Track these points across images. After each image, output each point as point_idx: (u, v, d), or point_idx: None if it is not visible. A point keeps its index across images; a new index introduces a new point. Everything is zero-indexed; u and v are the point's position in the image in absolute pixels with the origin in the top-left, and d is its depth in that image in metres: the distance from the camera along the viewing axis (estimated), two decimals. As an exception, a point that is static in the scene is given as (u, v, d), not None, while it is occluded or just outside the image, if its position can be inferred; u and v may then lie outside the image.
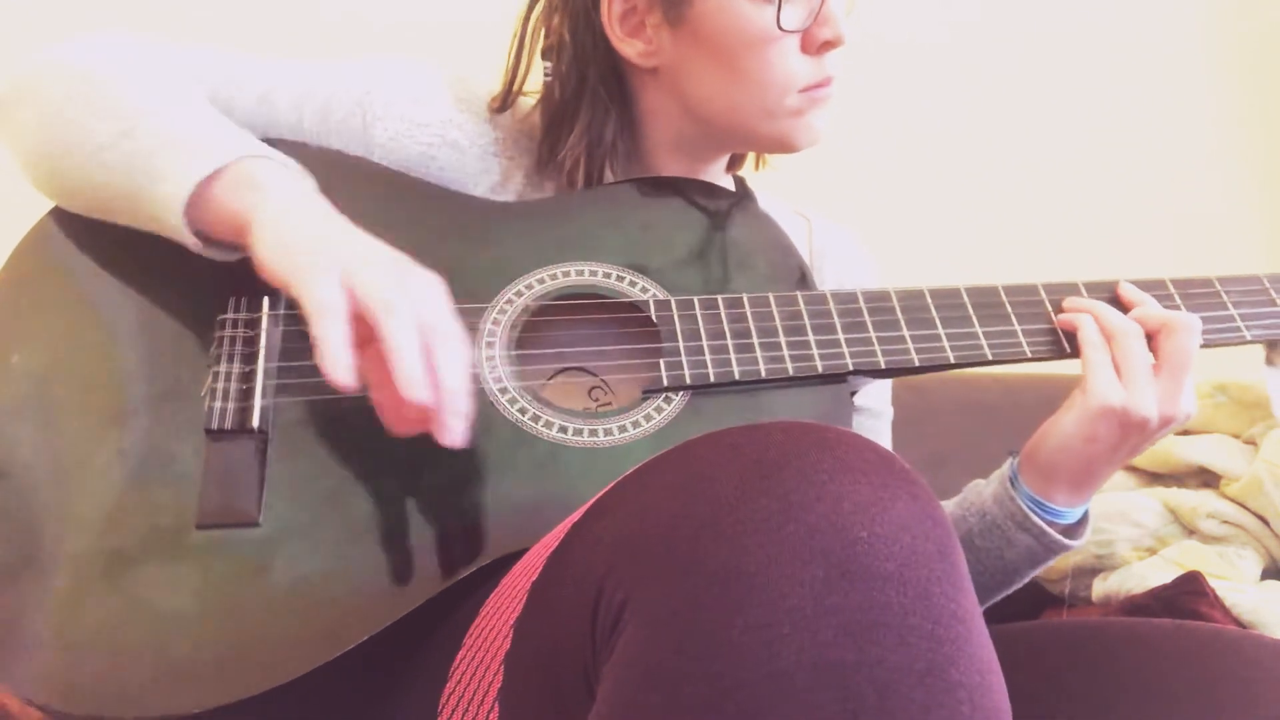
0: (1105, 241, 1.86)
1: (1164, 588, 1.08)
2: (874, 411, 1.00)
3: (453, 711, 0.61)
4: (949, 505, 0.88)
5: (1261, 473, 1.17)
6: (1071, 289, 0.84)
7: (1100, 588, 1.17)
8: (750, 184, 1.00)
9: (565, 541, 0.57)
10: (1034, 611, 1.13)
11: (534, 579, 0.58)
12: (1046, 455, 0.81)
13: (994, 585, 0.86)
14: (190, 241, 0.74)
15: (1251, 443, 1.24)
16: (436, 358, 0.64)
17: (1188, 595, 1.05)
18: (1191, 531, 1.20)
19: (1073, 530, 0.84)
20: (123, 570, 0.67)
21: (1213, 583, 1.06)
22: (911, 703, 0.43)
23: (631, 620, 0.48)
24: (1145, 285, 0.85)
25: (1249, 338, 0.83)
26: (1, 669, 0.63)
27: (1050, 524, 0.82)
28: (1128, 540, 1.20)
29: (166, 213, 0.73)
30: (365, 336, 0.65)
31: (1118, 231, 1.87)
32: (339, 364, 0.62)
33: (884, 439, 1.01)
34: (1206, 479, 1.24)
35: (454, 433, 0.65)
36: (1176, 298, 0.84)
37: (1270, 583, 1.14)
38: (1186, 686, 0.71)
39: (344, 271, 0.65)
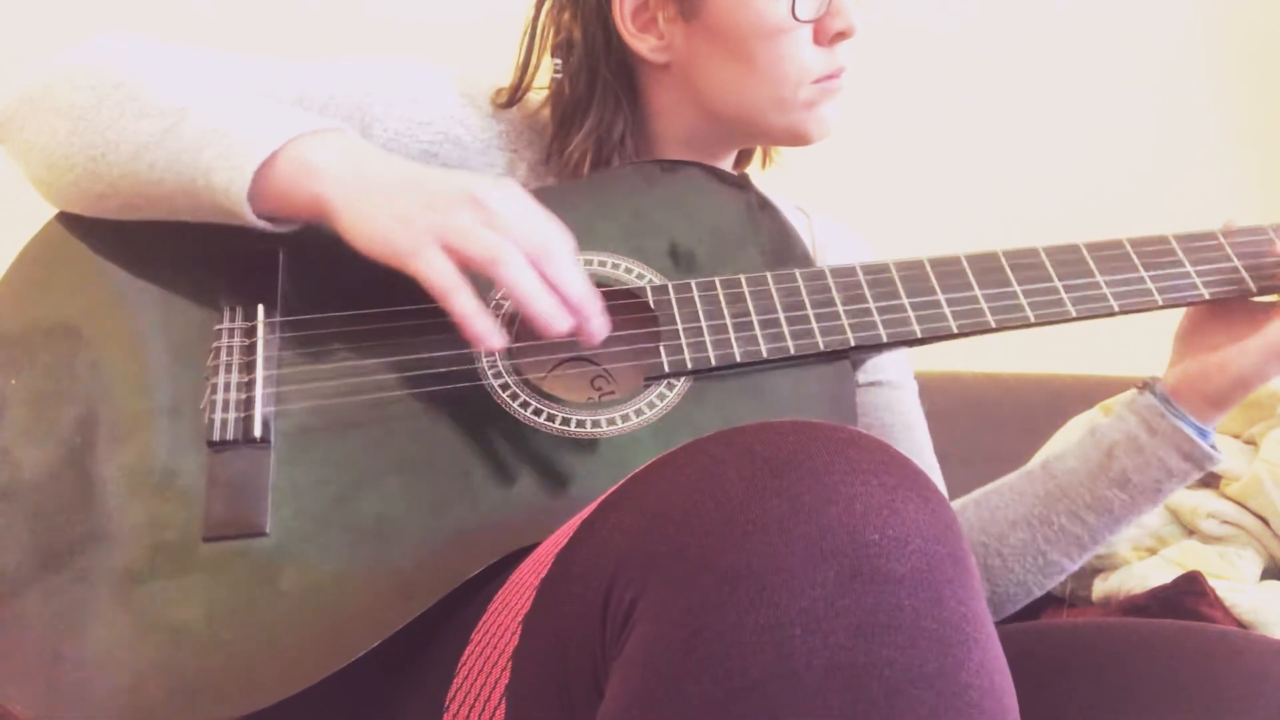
0: (1107, 236, 1.86)
1: (1164, 588, 1.08)
2: (895, 383, 1.00)
3: (459, 708, 0.61)
4: (1073, 451, 0.90)
5: (1261, 473, 1.17)
6: (1072, 250, 0.84)
7: (1100, 588, 1.17)
8: (754, 180, 1.00)
9: (574, 539, 0.57)
10: (1034, 611, 1.13)
11: (543, 576, 0.58)
12: (1221, 390, 0.84)
13: (1131, 516, 0.88)
14: (262, 227, 0.75)
15: (1251, 443, 1.24)
16: (553, 278, 0.70)
17: (1188, 595, 1.05)
18: (1191, 531, 1.20)
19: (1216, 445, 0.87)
20: (132, 587, 0.66)
21: (1213, 583, 1.06)
22: (921, 704, 0.44)
23: (641, 619, 0.48)
24: (1103, 245, 0.85)
25: (1160, 302, 0.83)
26: (16, 690, 0.63)
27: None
28: (1128, 540, 1.20)
29: (229, 205, 0.73)
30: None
31: (1119, 226, 1.86)
32: (487, 332, 0.70)
33: (911, 410, 1.00)
34: (1206, 479, 1.23)
35: (598, 335, 0.72)
36: (1134, 256, 0.84)
37: (1270, 583, 1.14)
38: (1187, 687, 0.72)
39: (439, 237, 0.69)
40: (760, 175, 0.99)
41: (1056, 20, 1.90)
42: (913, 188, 1.82)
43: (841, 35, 0.85)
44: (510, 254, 0.69)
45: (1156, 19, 1.92)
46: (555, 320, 0.70)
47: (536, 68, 0.89)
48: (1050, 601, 1.19)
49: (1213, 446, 0.85)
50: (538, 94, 0.90)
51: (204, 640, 0.65)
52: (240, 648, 0.64)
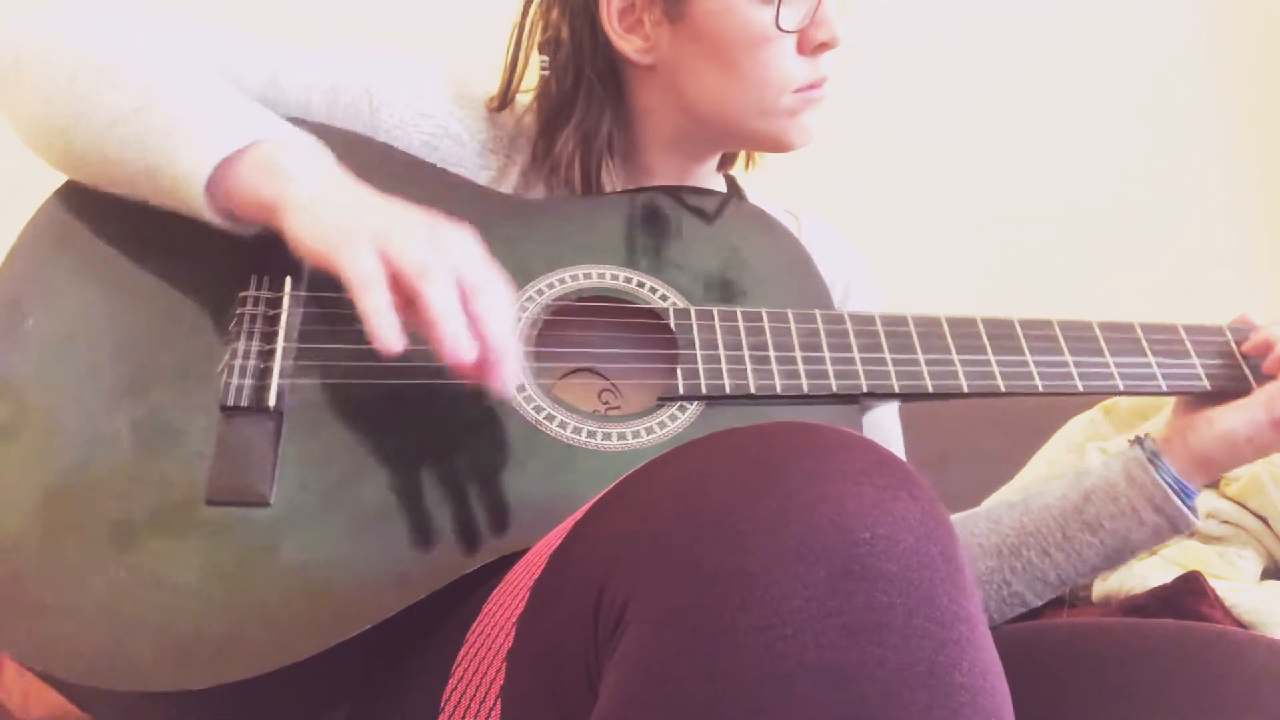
0: (1104, 246, 1.86)
1: (1164, 588, 1.08)
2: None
3: (454, 709, 0.61)
4: (1055, 489, 0.90)
5: (1261, 473, 1.17)
6: (1085, 327, 0.86)
7: (1100, 588, 1.17)
8: (742, 183, 1.01)
9: (567, 540, 0.57)
10: (1034, 611, 1.13)
11: (536, 577, 0.58)
12: (1204, 445, 0.85)
13: (1102, 565, 0.88)
14: (214, 220, 0.74)
15: (1252, 443, 1.24)
16: (478, 310, 0.66)
17: (1188, 595, 1.05)
18: (1192, 531, 1.20)
19: (1194, 510, 0.87)
20: (131, 541, 0.66)
21: (1213, 583, 1.06)
22: (914, 704, 0.43)
23: (634, 620, 0.48)
24: (1111, 326, 0.87)
25: (1165, 388, 0.86)
26: (5, 634, 0.63)
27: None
28: (1128, 540, 1.19)
29: (187, 192, 0.72)
30: (408, 297, 0.66)
31: (1116, 237, 1.87)
32: (386, 332, 0.65)
33: (890, 427, 1.00)
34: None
35: (504, 381, 0.68)
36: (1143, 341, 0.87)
37: (1270, 583, 1.14)
38: (1187, 687, 0.72)
39: (377, 239, 0.67)
40: (754, 178, 0.99)
41: (1055, 22, 1.89)
42: (911, 190, 1.82)
43: (825, 45, 0.85)
44: (440, 271, 0.66)
45: (1155, 21, 1.92)
46: (458, 345, 0.65)
47: (525, 66, 0.89)
48: (1050, 601, 1.19)
49: (1192, 509, 0.86)
50: (528, 97, 0.90)
51: (197, 603, 0.64)
52: (232, 615, 0.64)
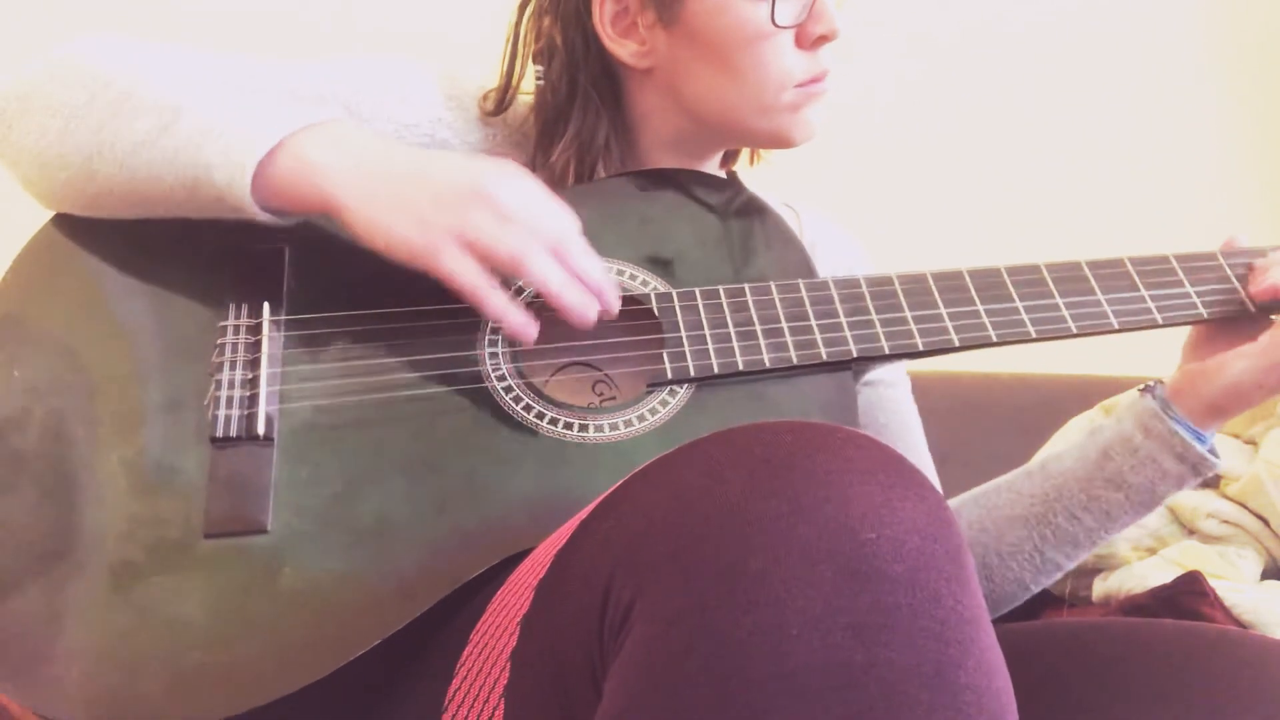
0: (1105, 241, 1.85)
1: (1164, 588, 1.08)
2: (888, 381, 1.00)
3: (458, 708, 0.61)
4: (1072, 451, 0.89)
5: (1261, 473, 1.17)
6: (1074, 267, 0.84)
7: (1100, 588, 1.18)
8: (743, 178, 1.00)
9: (572, 539, 0.57)
10: (1034, 611, 1.13)
11: (541, 576, 0.58)
12: (1214, 393, 0.83)
13: (1133, 519, 0.88)
14: (265, 220, 0.75)
15: (1251, 443, 1.25)
16: (575, 269, 0.73)
17: (1188, 595, 1.05)
18: (1191, 531, 1.20)
19: (1215, 451, 0.86)
20: (133, 582, 0.66)
21: (1213, 583, 1.06)
22: (919, 704, 0.44)
23: (639, 619, 0.48)
24: (1103, 264, 0.85)
25: (1160, 321, 0.84)
26: (15, 684, 0.63)
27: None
28: (1128, 540, 1.20)
29: (234, 201, 0.73)
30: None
31: (1117, 231, 1.87)
32: (521, 326, 0.74)
33: (906, 409, 1.00)
34: (1206, 479, 1.24)
35: (614, 312, 0.76)
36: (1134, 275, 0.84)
37: (1270, 583, 1.14)
38: (1188, 687, 0.72)
39: (458, 237, 0.71)
40: (752, 173, 0.99)
41: (1055, 21, 1.89)
42: (911, 190, 1.82)
43: (824, 39, 0.84)
44: (533, 250, 0.71)
45: (1157, 20, 1.92)
46: (588, 310, 0.73)
47: (521, 74, 0.89)
48: (1050, 601, 1.19)
49: (1211, 451, 0.85)
50: (525, 98, 0.90)
51: (203, 636, 0.65)
52: (239, 644, 0.64)
